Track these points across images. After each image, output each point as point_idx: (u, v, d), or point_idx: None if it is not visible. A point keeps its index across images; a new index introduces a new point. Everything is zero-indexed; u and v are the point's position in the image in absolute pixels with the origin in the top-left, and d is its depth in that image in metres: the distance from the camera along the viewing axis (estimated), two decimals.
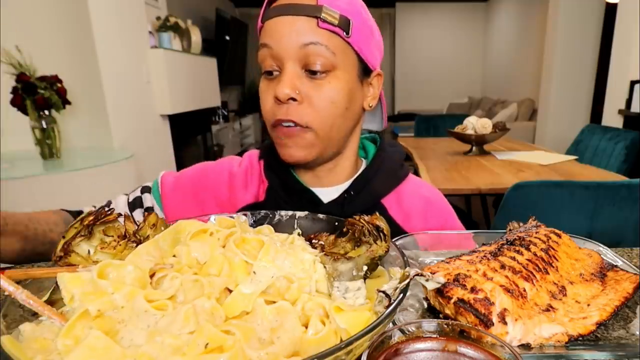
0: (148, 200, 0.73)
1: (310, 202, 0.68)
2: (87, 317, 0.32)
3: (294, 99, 0.60)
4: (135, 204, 0.72)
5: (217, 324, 0.33)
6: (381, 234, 0.45)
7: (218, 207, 0.72)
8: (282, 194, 0.69)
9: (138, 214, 0.70)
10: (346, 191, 0.69)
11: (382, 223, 0.46)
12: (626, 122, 3.03)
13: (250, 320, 0.34)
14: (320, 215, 0.54)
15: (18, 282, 0.34)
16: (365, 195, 0.70)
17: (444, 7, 7.28)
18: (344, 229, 0.50)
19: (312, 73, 0.60)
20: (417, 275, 0.39)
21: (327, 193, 0.70)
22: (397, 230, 0.70)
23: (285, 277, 0.38)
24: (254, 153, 0.76)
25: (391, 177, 0.72)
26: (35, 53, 1.98)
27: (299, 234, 0.50)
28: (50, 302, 0.36)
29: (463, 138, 2.24)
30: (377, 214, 0.47)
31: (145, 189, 0.75)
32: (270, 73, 0.62)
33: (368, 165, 0.73)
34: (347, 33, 0.60)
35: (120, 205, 0.73)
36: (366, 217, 0.47)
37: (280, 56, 0.60)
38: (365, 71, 0.65)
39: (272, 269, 0.38)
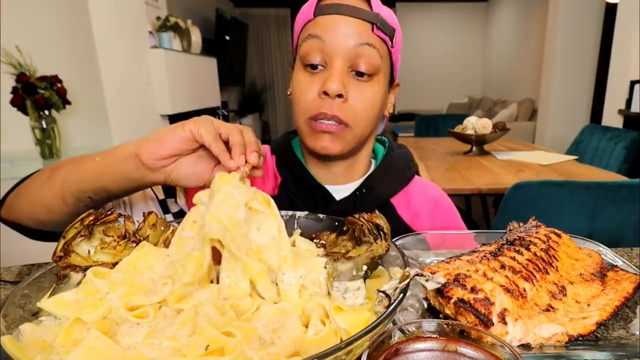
0: None
1: (323, 198, 0.70)
2: (83, 320, 0.32)
3: (340, 96, 0.62)
4: None
5: (226, 323, 0.33)
6: (381, 233, 0.45)
7: None
8: (295, 190, 0.71)
9: (158, 190, 0.70)
10: (358, 189, 0.71)
11: (382, 221, 0.46)
12: (626, 122, 3.03)
13: (254, 320, 0.34)
14: (320, 215, 0.54)
15: (18, 282, 0.34)
16: (376, 194, 0.72)
17: (444, 7, 7.28)
18: (344, 228, 0.50)
19: (358, 74, 0.63)
20: (417, 275, 0.39)
21: (340, 191, 0.72)
22: (405, 230, 0.72)
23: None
24: (265, 149, 0.78)
25: (400, 177, 0.75)
26: (35, 53, 1.98)
27: (300, 234, 0.50)
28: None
29: (463, 138, 2.24)
30: (377, 212, 0.47)
31: None
32: (314, 67, 0.64)
33: (378, 165, 0.75)
34: (392, 43, 0.66)
35: None
36: (366, 216, 0.47)
37: (331, 51, 0.62)
38: (391, 80, 0.71)
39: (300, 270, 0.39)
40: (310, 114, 0.64)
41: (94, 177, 0.54)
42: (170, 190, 0.71)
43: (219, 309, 0.34)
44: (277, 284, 0.38)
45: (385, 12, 0.65)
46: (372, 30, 0.63)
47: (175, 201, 0.71)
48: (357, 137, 0.66)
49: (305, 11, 0.66)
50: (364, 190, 0.71)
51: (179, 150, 0.51)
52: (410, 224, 0.74)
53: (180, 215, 0.72)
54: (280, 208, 0.72)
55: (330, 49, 0.62)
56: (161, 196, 0.70)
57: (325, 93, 0.62)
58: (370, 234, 0.46)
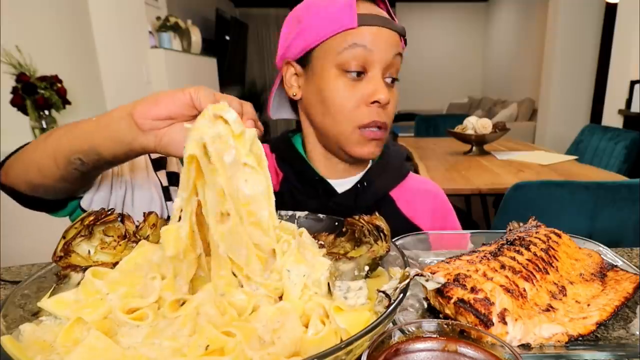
0: (174, 164, 0.73)
1: (326, 191, 0.73)
2: (83, 320, 0.32)
3: (387, 103, 0.67)
4: (160, 163, 0.72)
5: (226, 323, 0.33)
6: (381, 234, 0.45)
7: None
8: (297, 185, 0.74)
9: (162, 175, 0.70)
10: (359, 182, 0.74)
11: (382, 223, 0.46)
12: (626, 122, 3.03)
13: (254, 321, 0.34)
14: (320, 215, 0.54)
15: (18, 282, 0.34)
16: (376, 187, 0.75)
17: (444, 7, 7.27)
18: (343, 229, 0.50)
19: (391, 81, 0.69)
20: (417, 275, 0.39)
21: (341, 184, 0.74)
22: (405, 222, 0.76)
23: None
24: (264, 147, 0.79)
25: (397, 171, 0.79)
26: (35, 53, 1.98)
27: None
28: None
29: (463, 138, 2.24)
30: (377, 213, 0.47)
31: None
32: (357, 74, 0.66)
33: (376, 160, 0.78)
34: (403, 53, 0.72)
35: (141, 158, 0.70)
36: (366, 217, 0.47)
37: (375, 61, 0.66)
38: None
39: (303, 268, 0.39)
40: (360, 123, 0.67)
41: (86, 136, 0.52)
42: (174, 178, 0.71)
43: (218, 308, 0.34)
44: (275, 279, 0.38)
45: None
46: (400, 40, 0.69)
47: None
48: (386, 137, 0.72)
49: (340, 17, 0.65)
50: (365, 184, 0.74)
51: (175, 113, 0.49)
52: (410, 217, 0.77)
53: None
54: (282, 202, 0.73)
55: (373, 58, 0.65)
56: (165, 183, 0.70)
57: (375, 102, 0.66)
58: (370, 235, 0.46)
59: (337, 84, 0.66)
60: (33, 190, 0.58)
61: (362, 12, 0.65)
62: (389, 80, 0.69)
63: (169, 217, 0.71)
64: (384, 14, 0.68)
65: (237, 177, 0.37)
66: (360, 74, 0.66)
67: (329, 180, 0.74)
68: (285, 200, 0.74)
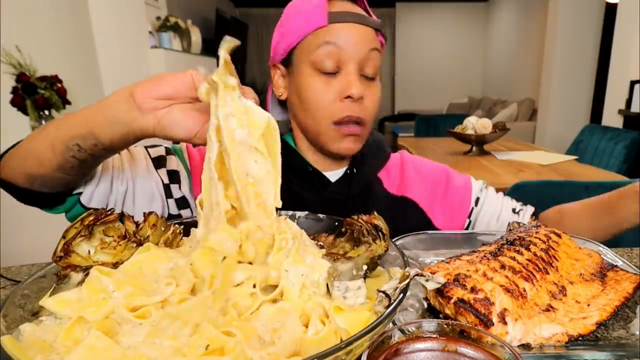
0: (174, 163, 0.74)
1: (320, 182, 0.76)
2: (84, 320, 0.32)
3: (361, 98, 0.68)
4: (160, 161, 0.72)
5: (226, 322, 0.33)
6: (380, 233, 0.45)
7: None
8: (292, 177, 0.75)
9: (163, 173, 0.71)
10: (349, 168, 0.78)
11: (380, 222, 0.46)
12: (626, 122, 3.03)
13: (254, 320, 0.34)
14: (320, 215, 0.54)
15: (18, 282, 0.34)
16: (364, 169, 0.78)
17: (444, 7, 7.27)
18: (343, 229, 0.50)
19: (366, 77, 0.69)
20: (417, 275, 0.39)
21: (333, 175, 0.77)
22: (395, 199, 0.79)
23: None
24: None
25: (380, 153, 0.82)
26: (35, 53, 1.98)
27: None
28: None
29: (463, 138, 2.24)
30: (375, 213, 0.47)
31: (168, 151, 0.75)
32: (330, 72, 0.68)
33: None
34: (383, 48, 0.73)
35: (141, 155, 0.71)
36: (364, 217, 0.47)
37: (347, 57, 0.67)
38: None
39: (302, 268, 0.39)
40: (334, 118, 0.68)
41: (84, 120, 0.52)
42: (174, 176, 0.72)
43: (220, 308, 0.34)
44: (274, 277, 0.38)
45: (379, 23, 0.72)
46: (377, 35, 0.70)
47: (179, 188, 0.73)
48: (368, 133, 0.74)
49: (312, 16, 0.67)
50: (354, 170, 0.77)
51: (176, 93, 0.49)
52: (401, 193, 0.80)
53: (182, 202, 0.73)
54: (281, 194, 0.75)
55: (346, 54, 0.66)
56: (166, 180, 0.71)
57: (348, 97, 0.67)
58: (369, 234, 0.46)
59: (312, 82, 0.68)
60: (31, 182, 0.58)
61: (334, 10, 0.67)
62: (366, 76, 0.69)
63: (169, 216, 0.72)
64: (359, 10, 0.69)
65: (247, 158, 0.40)
66: (335, 71, 0.67)
67: (323, 172, 0.77)
68: (281, 192, 0.75)
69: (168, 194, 0.72)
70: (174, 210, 0.73)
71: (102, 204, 0.65)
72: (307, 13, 0.68)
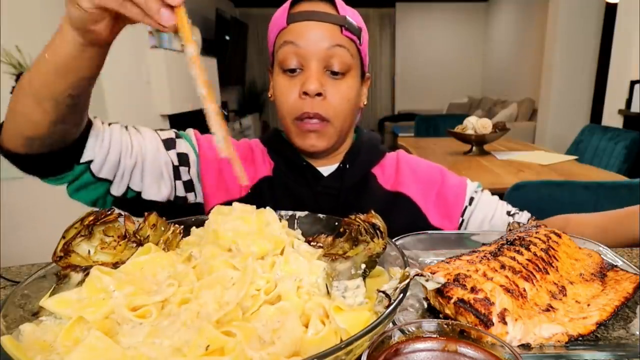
0: (183, 146, 0.75)
1: (313, 176, 0.78)
2: (84, 320, 0.32)
3: (319, 94, 0.69)
4: (170, 143, 0.74)
5: (230, 320, 0.33)
6: (378, 232, 0.45)
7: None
8: (287, 171, 0.78)
9: (173, 155, 0.73)
10: (342, 163, 0.79)
11: (378, 221, 0.46)
12: (626, 122, 3.03)
13: (254, 321, 0.34)
14: (320, 215, 0.54)
15: (18, 282, 0.34)
16: (358, 165, 0.79)
17: (444, 7, 7.27)
18: (341, 229, 0.50)
19: (333, 73, 0.70)
20: (417, 275, 0.39)
21: (327, 170, 0.79)
22: (388, 194, 0.79)
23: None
24: (255, 141, 0.86)
25: (374, 150, 0.84)
26: (35, 53, 1.96)
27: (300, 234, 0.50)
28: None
29: (463, 138, 2.24)
30: (373, 212, 0.48)
31: (177, 135, 0.77)
32: (292, 70, 0.70)
33: (354, 142, 0.83)
34: (360, 41, 0.72)
35: (150, 134, 0.72)
36: (362, 216, 0.47)
37: (307, 55, 0.68)
38: (362, 74, 0.77)
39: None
40: (295, 115, 0.71)
41: (51, 72, 0.52)
42: (184, 159, 0.74)
43: (220, 307, 0.34)
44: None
45: (350, 13, 0.71)
46: (341, 32, 0.69)
47: (188, 171, 0.75)
48: (338, 131, 0.73)
49: (278, 20, 0.72)
50: (347, 165, 0.78)
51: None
52: (395, 188, 0.80)
53: (188, 185, 0.75)
54: (276, 187, 0.77)
55: (305, 52, 0.68)
56: (176, 162, 0.73)
57: (305, 93, 0.68)
58: (367, 233, 0.46)
59: (279, 81, 0.72)
60: (30, 145, 0.57)
61: (296, 10, 0.70)
62: (335, 72, 0.70)
63: (176, 198, 0.73)
64: (323, 8, 0.69)
65: None
66: (297, 70, 0.70)
67: (316, 167, 0.78)
68: (277, 185, 0.78)
69: (177, 175, 0.74)
70: (180, 192, 0.75)
71: (111, 174, 0.66)
72: (275, 18, 0.73)
